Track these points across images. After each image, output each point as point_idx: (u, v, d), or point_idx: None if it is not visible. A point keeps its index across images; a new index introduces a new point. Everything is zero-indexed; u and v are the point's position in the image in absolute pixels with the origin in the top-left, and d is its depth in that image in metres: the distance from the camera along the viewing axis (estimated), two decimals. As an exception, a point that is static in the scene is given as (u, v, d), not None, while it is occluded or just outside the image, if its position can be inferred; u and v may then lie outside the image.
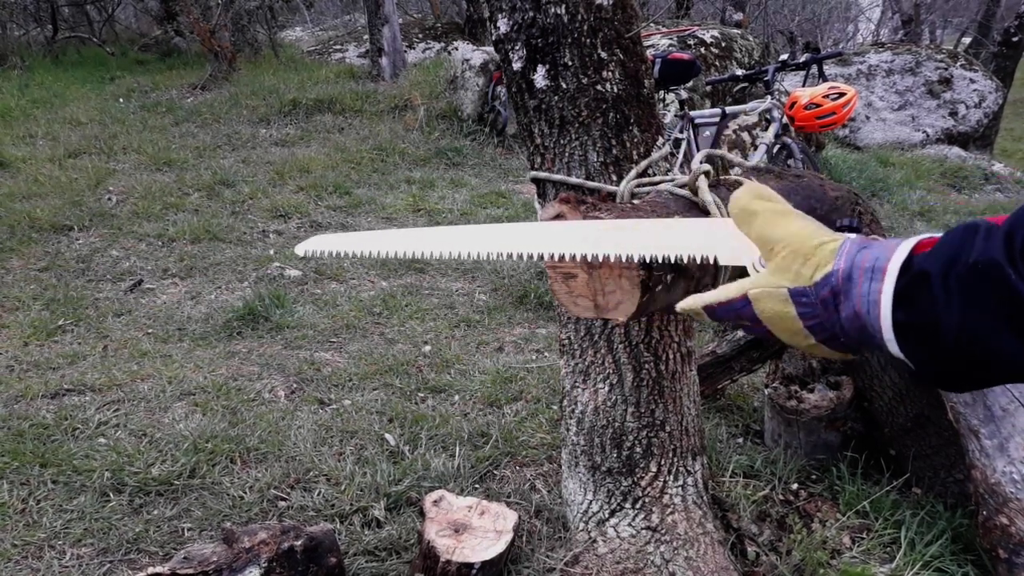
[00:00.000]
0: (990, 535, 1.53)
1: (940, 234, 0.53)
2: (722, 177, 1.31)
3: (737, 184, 1.25)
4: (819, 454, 2.03)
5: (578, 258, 0.91)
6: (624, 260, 0.90)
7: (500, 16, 1.38)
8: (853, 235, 0.59)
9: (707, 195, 1.16)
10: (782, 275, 0.59)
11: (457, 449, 2.08)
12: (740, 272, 0.87)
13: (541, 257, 0.92)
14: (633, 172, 1.37)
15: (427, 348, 2.88)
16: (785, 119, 3.48)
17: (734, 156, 1.59)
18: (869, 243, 0.56)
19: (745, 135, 4.71)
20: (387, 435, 2.18)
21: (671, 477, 1.59)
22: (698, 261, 0.89)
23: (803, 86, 3.66)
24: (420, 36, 9.83)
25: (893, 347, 0.53)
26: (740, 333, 2.20)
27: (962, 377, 0.51)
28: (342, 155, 5.72)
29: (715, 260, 0.88)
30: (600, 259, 0.90)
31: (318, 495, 1.88)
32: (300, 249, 0.92)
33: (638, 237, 0.91)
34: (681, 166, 3.69)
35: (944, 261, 0.48)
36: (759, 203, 0.64)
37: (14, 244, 3.85)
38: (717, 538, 1.61)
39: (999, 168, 7.04)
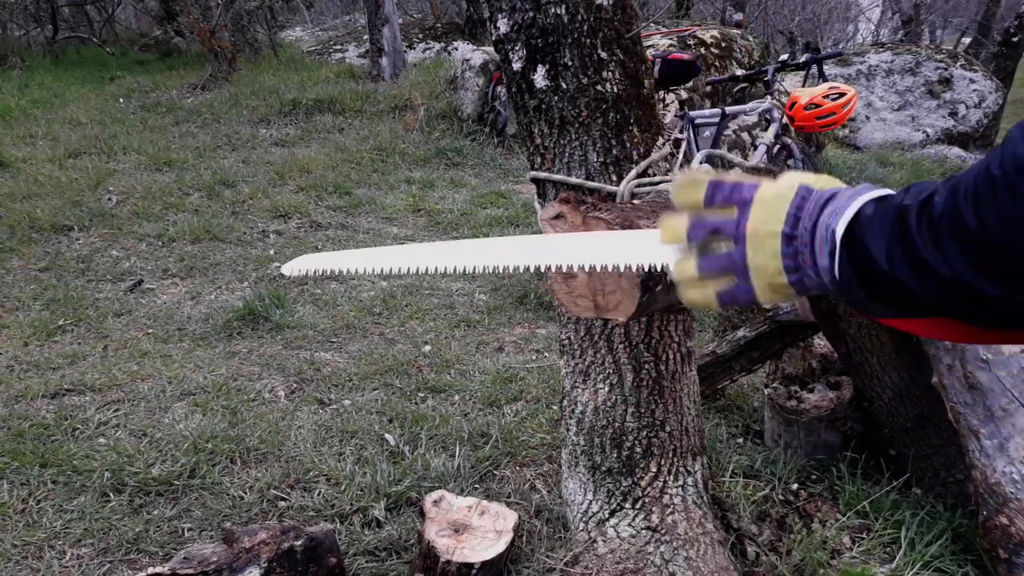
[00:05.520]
0: (990, 535, 1.53)
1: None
2: (722, 177, 1.31)
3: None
4: (819, 454, 2.03)
5: (575, 268, 0.91)
6: (623, 269, 0.91)
7: (500, 16, 1.38)
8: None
9: (707, 195, 1.15)
10: (767, 222, 0.64)
11: (457, 449, 2.08)
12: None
13: (537, 269, 0.92)
14: (633, 172, 1.37)
15: (427, 348, 2.88)
16: (785, 119, 3.47)
17: (734, 156, 1.59)
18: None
19: (745, 135, 4.71)
20: (387, 435, 2.18)
21: (671, 477, 1.59)
22: None
23: (803, 86, 3.66)
24: (420, 36, 9.83)
25: (824, 257, 0.59)
26: (740, 333, 2.20)
27: (878, 296, 0.58)
28: (342, 155, 5.72)
29: None
30: (599, 269, 0.91)
31: (318, 495, 1.88)
32: (286, 270, 0.92)
33: (636, 246, 0.92)
34: (681, 166, 3.69)
35: (887, 205, 0.58)
36: (694, 174, 0.69)
37: (14, 244, 3.85)
38: (717, 538, 1.61)
39: (999, 168, 7.03)
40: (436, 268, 0.88)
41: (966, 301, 0.53)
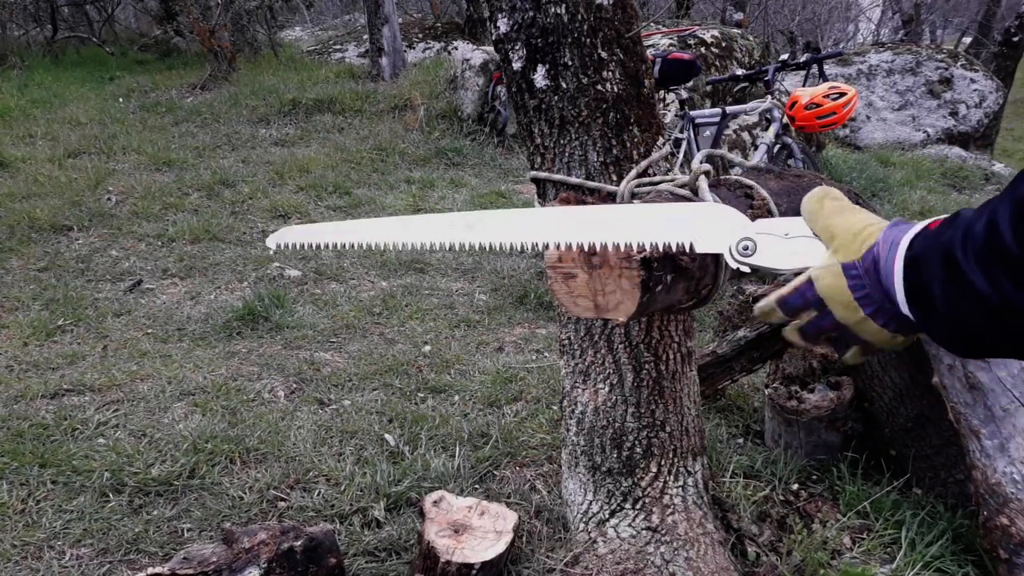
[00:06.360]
0: (991, 535, 1.53)
1: (947, 215, 0.64)
2: (722, 177, 1.30)
3: (738, 184, 1.25)
4: (819, 454, 2.03)
5: (561, 247, 0.90)
6: (611, 248, 0.89)
7: (500, 16, 1.38)
8: (898, 218, 0.70)
9: (707, 195, 1.15)
10: (837, 254, 0.71)
11: (457, 449, 2.08)
12: (738, 272, 0.87)
13: (523, 248, 0.91)
14: (633, 172, 1.36)
15: (427, 348, 2.88)
16: (785, 119, 3.47)
17: (734, 156, 1.59)
18: (900, 222, 0.68)
19: (745, 135, 4.71)
20: (387, 435, 2.18)
21: (671, 477, 1.59)
22: (674, 249, 0.89)
23: (803, 86, 3.66)
24: (420, 36, 9.82)
25: (905, 308, 0.64)
26: (740, 333, 2.19)
27: (950, 334, 0.61)
28: (342, 155, 5.71)
29: (691, 247, 0.88)
30: (580, 247, 0.90)
31: (318, 495, 1.88)
32: (270, 242, 0.91)
33: (621, 225, 0.90)
34: (681, 166, 3.69)
35: (933, 245, 0.61)
36: (826, 202, 0.76)
37: (14, 244, 3.85)
38: (717, 539, 1.61)
39: (999, 168, 7.03)
40: (427, 244, 0.87)
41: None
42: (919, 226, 0.64)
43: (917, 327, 0.65)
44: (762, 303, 0.78)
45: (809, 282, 0.73)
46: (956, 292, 0.56)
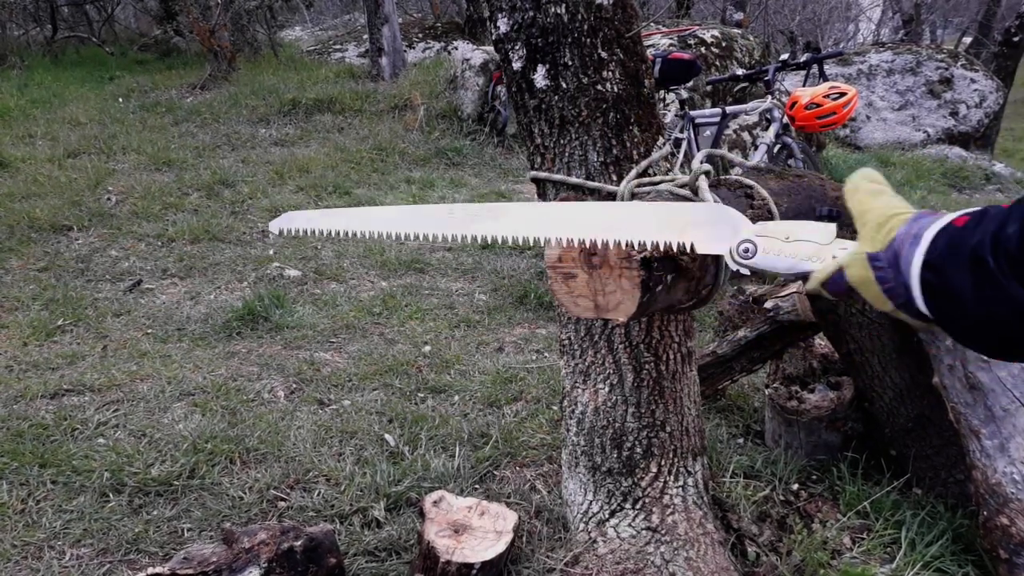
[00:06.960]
0: (991, 535, 1.53)
1: (974, 209, 0.62)
2: (722, 177, 1.30)
3: (738, 184, 1.25)
4: (819, 454, 2.02)
5: (563, 243, 0.90)
6: (612, 247, 0.90)
7: (500, 16, 1.38)
8: (926, 209, 0.68)
9: (707, 195, 1.15)
10: (865, 243, 0.70)
11: (457, 449, 2.08)
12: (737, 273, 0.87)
13: (526, 242, 0.91)
14: (633, 172, 1.36)
15: (427, 348, 2.88)
16: (786, 119, 3.47)
17: (734, 156, 1.59)
18: (928, 214, 0.66)
19: (746, 135, 4.71)
20: (387, 435, 2.18)
21: (671, 477, 1.59)
22: (675, 249, 0.89)
23: (804, 86, 3.66)
24: (420, 36, 9.82)
25: (922, 305, 0.63)
26: (741, 333, 2.19)
27: (979, 336, 0.60)
28: (342, 155, 5.71)
29: (692, 248, 0.88)
30: (581, 245, 0.90)
31: (318, 495, 1.88)
32: (273, 227, 0.93)
33: (623, 224, 0.91)
34: (681, 166, 3.69)
35: (959, 245, 0.59)
36: (863, 183, 0.75)
37: (13, 244, 3.84)
38: (717, 539, 1.60)
39: (1000, 168, 7.04)
40: (431, 236, 0.88)
41: None
42: (943, 221, 0.62)
43: (937, 323, 0.64)
44: (810, 285, 0.79)
45: (840, 270, 0.72)
46: (990, 295, 0.55)
